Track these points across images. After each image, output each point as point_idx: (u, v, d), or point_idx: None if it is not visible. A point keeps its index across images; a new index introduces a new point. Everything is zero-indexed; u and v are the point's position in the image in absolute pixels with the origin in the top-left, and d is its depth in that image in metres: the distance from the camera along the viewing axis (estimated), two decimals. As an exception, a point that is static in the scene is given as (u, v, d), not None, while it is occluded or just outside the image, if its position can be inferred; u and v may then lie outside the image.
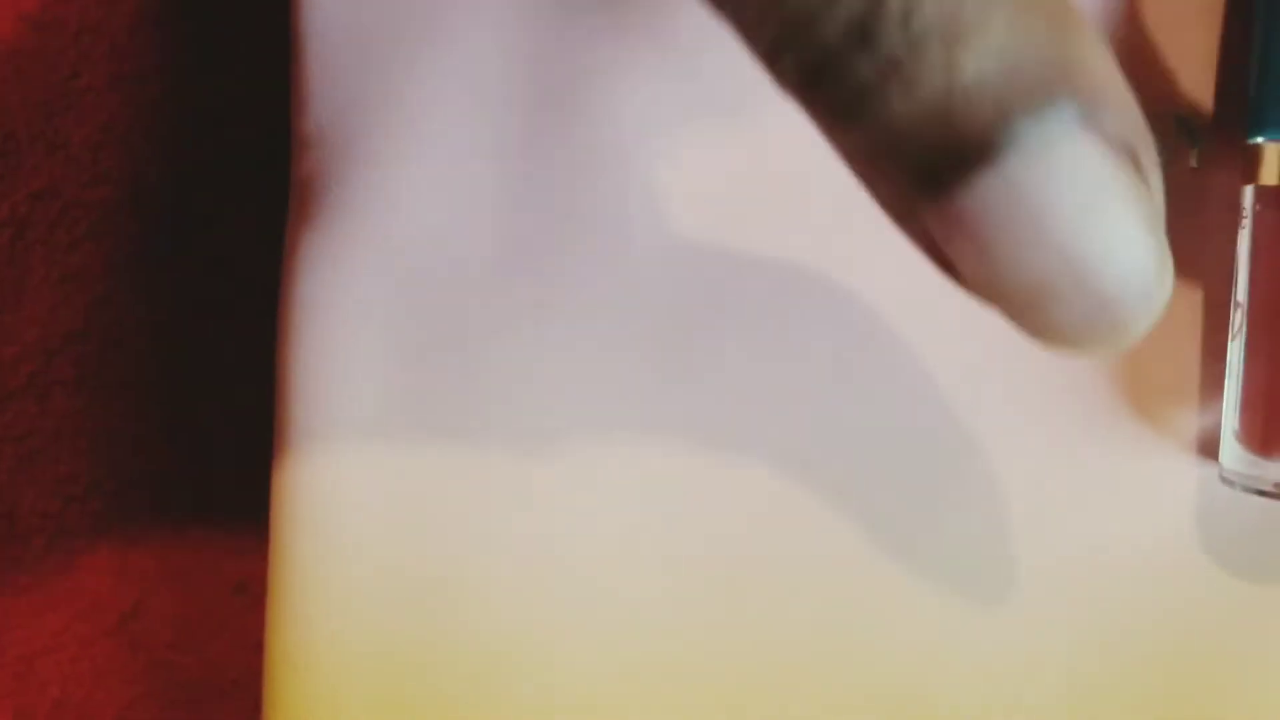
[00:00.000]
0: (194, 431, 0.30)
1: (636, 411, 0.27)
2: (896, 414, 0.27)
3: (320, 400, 0.27)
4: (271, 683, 0.27)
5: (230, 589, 0.30)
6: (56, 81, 0.30)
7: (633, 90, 0.26)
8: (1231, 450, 0.26)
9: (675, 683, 0.27)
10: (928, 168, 0.16)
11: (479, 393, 0.27)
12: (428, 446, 0.27)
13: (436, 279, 0.27)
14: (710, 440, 0.27)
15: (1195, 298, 0.26)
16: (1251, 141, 0.25)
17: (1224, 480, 0.26)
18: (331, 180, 0.27)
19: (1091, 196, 0.15)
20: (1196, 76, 0.26)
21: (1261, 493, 0.25)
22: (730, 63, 0.26)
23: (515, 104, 0.26)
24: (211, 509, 0.30)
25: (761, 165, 0.26)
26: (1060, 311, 0.16)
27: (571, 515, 0.27)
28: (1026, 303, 0.16)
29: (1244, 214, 0.25)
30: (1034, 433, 0.26)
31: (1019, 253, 0.15)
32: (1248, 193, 0.25)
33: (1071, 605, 0.27)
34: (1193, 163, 0.26)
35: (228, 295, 0.30)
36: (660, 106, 0.26)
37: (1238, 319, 0.25)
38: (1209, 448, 0.27)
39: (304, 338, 0.27)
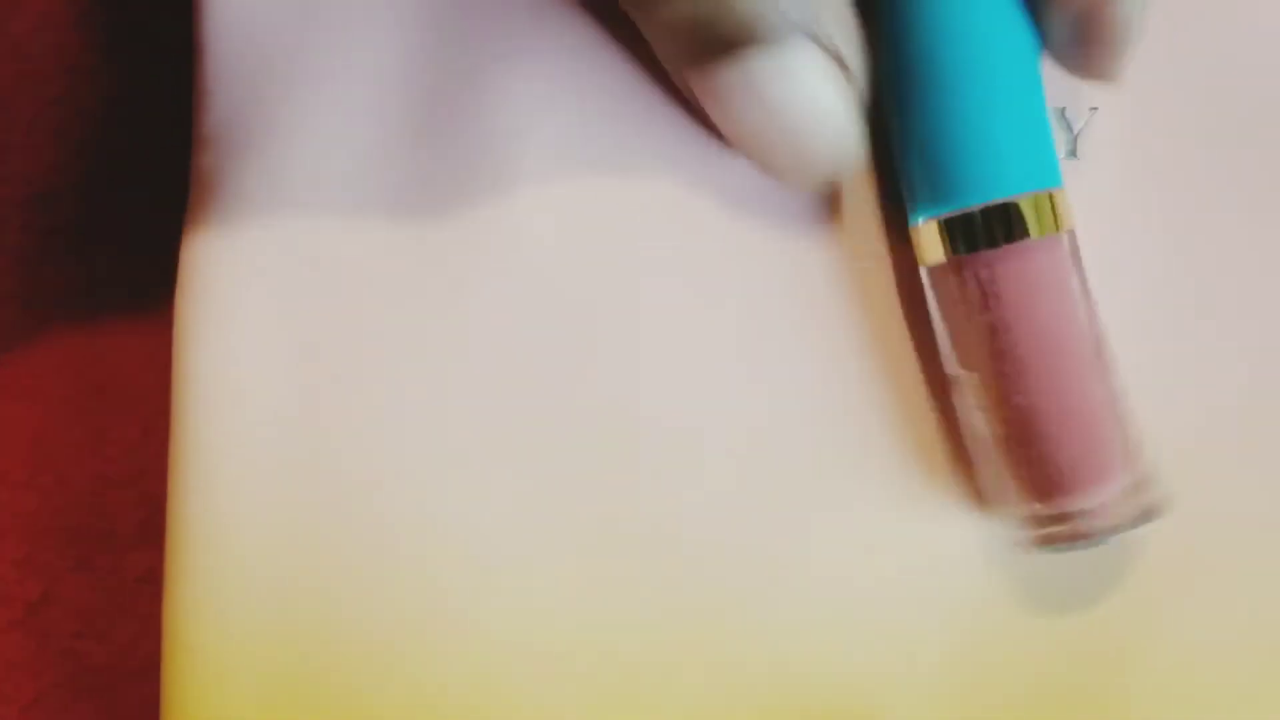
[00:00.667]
0: (95, 427, 0.30)
1: (539, 402, 0.27)
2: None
3: (218, 394, 0.27)
4: (170, 669, 0.27)
5: (135, 578, 0.30)
6: (-39, 82, 0.31)
7: (527, 87, 0.27)
8: (1013, 511, 0.26)
9: (579, 668, 0.28)
10: (693, 51, 0.24)
11: (376, 389, 0.27)
12: (325, 442, 0.27)
13: (334, 276, 0.27)
14: (616, 429, 0.27)
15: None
16: (912, 225, 0.26)
17: (1017, 544, 0.27)
18: (230, 177, 0.27)
19: (804, 81, 0.24)
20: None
21: (1057, 548, 0.26)
22: (620, 60, 0.27)
23: (412, 102, 0.27)
24: (116, 500, 0.30)
25: (653, 158, 0.27)
26: (783, 155, 0.24)
27: (472, 505, 0.27)
28: (761, 149, 0.25)
29: (926, 291, 0.26)
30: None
31: (750, 114, 0.24)
32: (924, 273, 0.26)
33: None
34: (1062, 153, 0.28)
35: (129, 294, 0.31)
36: (554, 102, 0.27)
37: (959, 387, 0.26)
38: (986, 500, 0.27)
39: (200, 334, 0.27)
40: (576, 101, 0.27)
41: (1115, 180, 0.27)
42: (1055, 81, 0.26)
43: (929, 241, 0.26)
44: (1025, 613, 0.27)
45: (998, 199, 0.25)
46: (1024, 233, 0.25)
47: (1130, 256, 0.28)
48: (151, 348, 0.30)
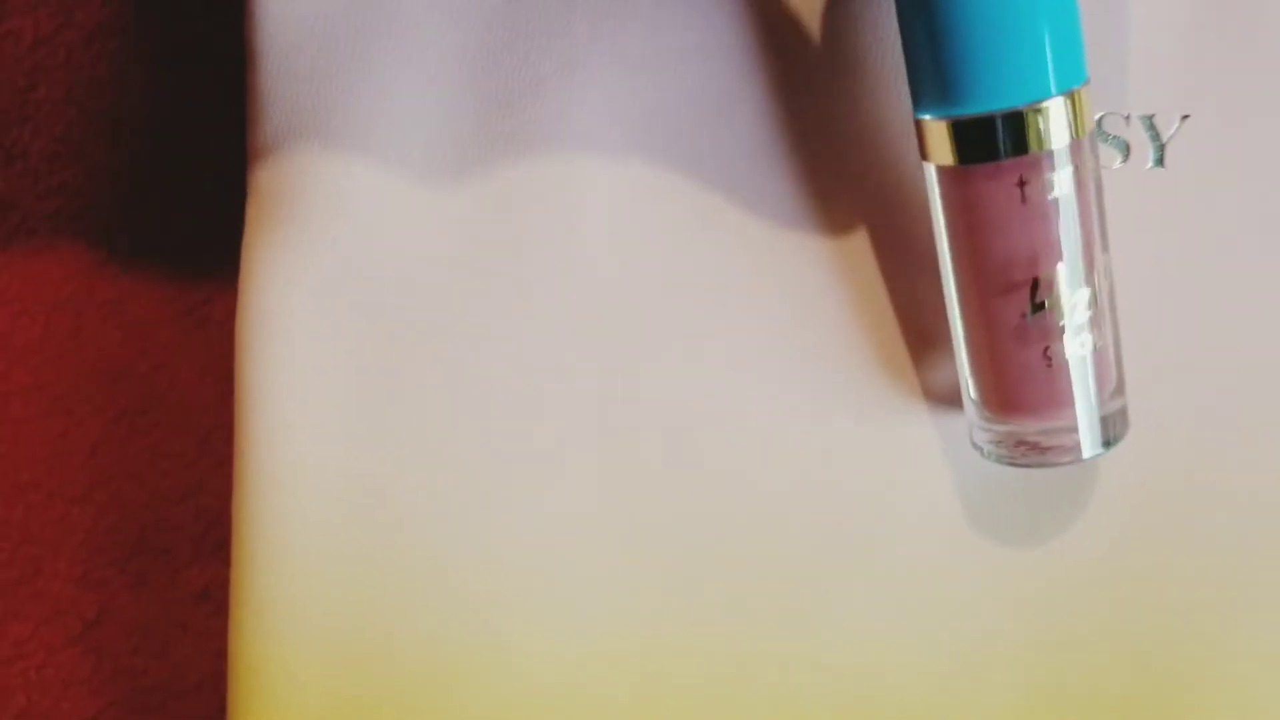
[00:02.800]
0: (153, 440, 0.30)
1: (596, 411, 0.27)
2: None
3: (280, 410, 0.27)
4: (235, 687, 0.27)
5: (193, 596, 0.30)
6: (13, 93, 0.30)
7: (583, 93, 0.26)
8: (974, 417, 0.26)
9: (639, 676, 0.27)
10: None
11: (440, 398, 0.27)
12: (388, 453, 0.27)
13: (395, 286, 0.27)
14: (674, 432, 0.27)
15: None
16: (917, 118, 0.25)
17: (974, 447, 0.26)
18: (288, 190, 0.27)
19: None
20: (1166, 78, 0.26)
21: (1012, 462, 0.26)
22: (677, 68, 0.27)
23: (469, 110, 0.27)
24: (172, 515, 0.30)
25: (704, 163, 0.27)
26: None
27: (534, 514, 0.27)
28: None
29: (929, 188, 0.25)
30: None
31: None
32: (929, 169, 0.25)
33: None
34: (1149, 163, 0.27)
35: (183, 306, 0.30)
36: (611, 109, 0.27)
37: (949, 289, 0.25)
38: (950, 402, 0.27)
39: (263, 348, 0.27)
40: (637, 108, 0.27)
41: (1201, 189, 0.27)
42: (1145, 87, 0.25)
43: (934, 139, 0.24)
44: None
45: (1018, 105, 0.23)
46: (1041, 141, 0.24)
47: (1217, 267, 0.27)
48: (207, 360, 0.30)
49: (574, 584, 0.27)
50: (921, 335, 0.27)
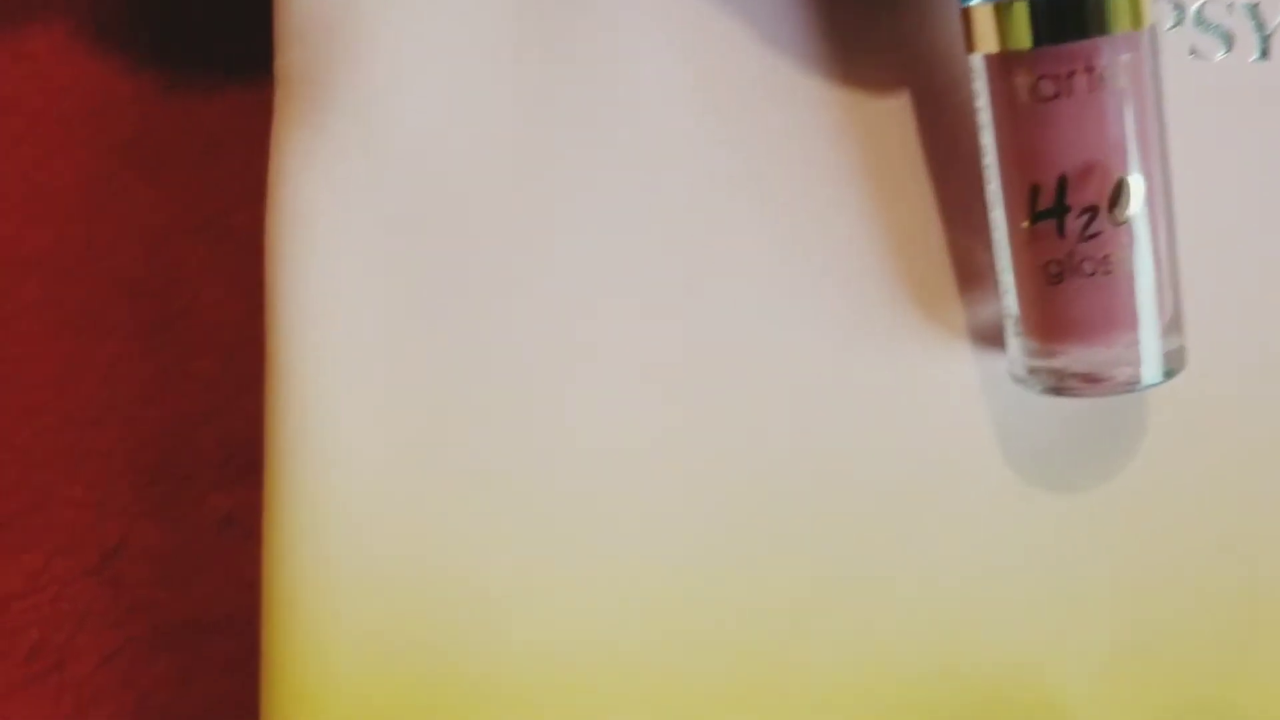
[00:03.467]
0: (173, 359, 0.29)
1: (637, 320, 0.25)
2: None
3: (312, 317, 0.25)
4: (270, 621, 0.25)
5: (218, 523, 0.28)
6: (18, -13, 0.28)
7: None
8: (1015, 344, 0.24)
9: (678, 613, 0.26)
10: None
11: (479, 306, 0.25)
12: (431, 362, 0.25)
13: (437, 178, 0.25)
14: (711, 357, 0.25)
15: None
16: (965, 6, 0.23)
17: (1014, 379, 0.25)
18: (319, 76, 0.25)
19: None
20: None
21: (1058, 390, 0.24)
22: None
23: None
24: (195, 438, 0.29)
25: (765, 65, 0.25)
26: None
27: (574, 438, 0.25)
28: None
29: (976, 83, 0.24)
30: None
31: None
32: (975, 62, 0.23)
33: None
34: (1254, 55, 0.25)
35: (212, 209, 0.29)
36: (672, 5, 0.25)
37: (994, 203, 0.24)
38: (990, 338, 0.26)
39: (293, 249, 0.25)
40: (699, 7, 0.25)
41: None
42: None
43: (982, 27, 0.23)
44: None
45: None
46: (1103, 26, 0.22)
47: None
48: (230, 273, 0.29)
49: (620, 496, 0.26)
50: (963, 268, 0.26)
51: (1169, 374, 0.24)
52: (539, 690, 0.25)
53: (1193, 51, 0.25)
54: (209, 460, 0.29)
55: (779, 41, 0.25)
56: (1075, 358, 0.24)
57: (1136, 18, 0.22)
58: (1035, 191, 0.23)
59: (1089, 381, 0.24)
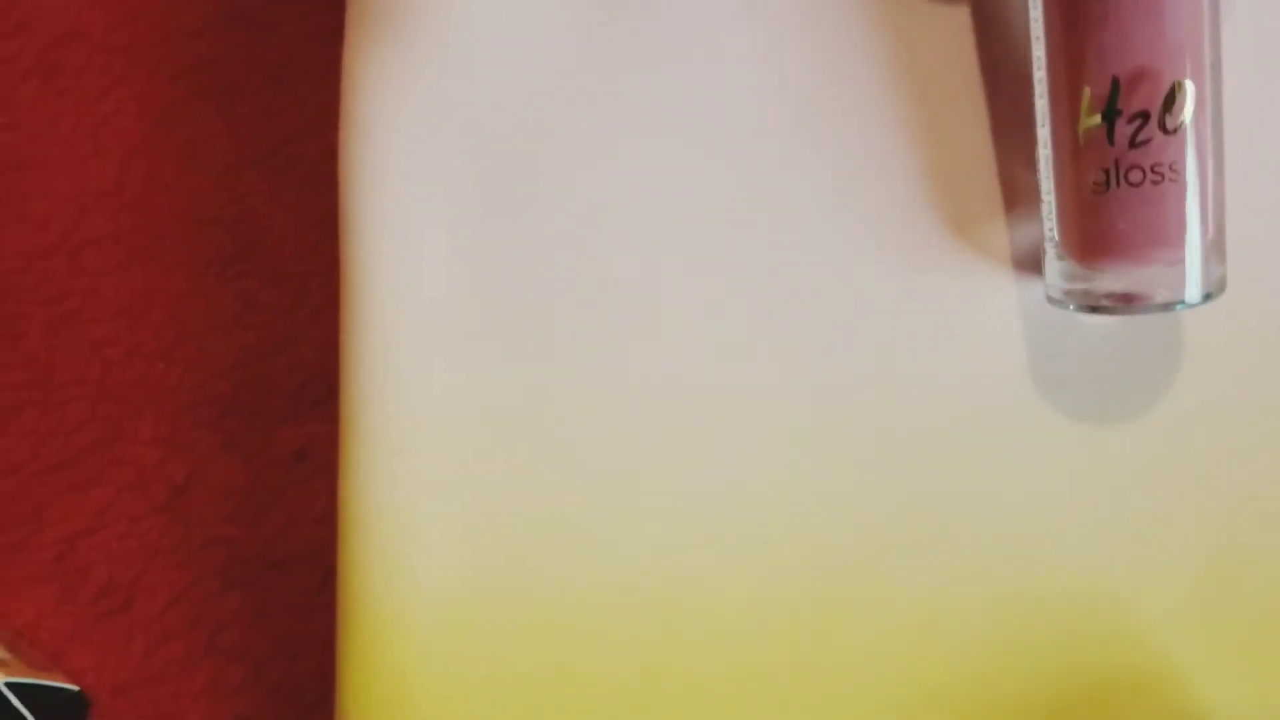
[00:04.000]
0: (241, 284, 0.28)
1: (723, 256, 0.25)
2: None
3: (388, 240, 0.25)
4: (346, 554, 0.25)
5: (289, 457, 0.28)
6: (78, -85, 0.28)
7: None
8: (1054, 266, 0.24)
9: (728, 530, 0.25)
10: None
11: (554, 227, 0.25)
12: (503, 288, 0.25)
13: (519, 103, 0.25)
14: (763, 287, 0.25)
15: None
16: None
17: (1050, 300, 0.24)
18: (391, -2, 0.25)
19: None
20: None
21: (1094, 309, 0.23)
22: None
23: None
24: (265, 371, 0.28)
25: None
26: None
27: (660, 369, 0.25)
28: None
29: None
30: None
31: None
32: None
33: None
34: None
35: (276, 136, 0.28)
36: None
37: (1041, 106, 0.23)
38: (1030, 263, 0.25)
39: (368, 171, 0.25)
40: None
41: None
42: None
43: None
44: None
45: None
46: None
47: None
48: (298, 204, 0.28)
49: (689, 424, 0.25)
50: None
51: (1208, 297, 0.23)
52: (612, 616, 0.25)
53: None
54: (279, 393, 0.28)
55: None
56: (1115, 276, 0.23)
57: None
58: (1086, 96, 0.22)
59: (1126, 300, 0.23)
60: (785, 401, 0.25)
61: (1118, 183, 0.22)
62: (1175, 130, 0.22)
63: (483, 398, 0.25)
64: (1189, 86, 0.22)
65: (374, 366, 0.25)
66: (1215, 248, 0.23)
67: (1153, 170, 0.22)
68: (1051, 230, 0.23)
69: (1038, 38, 0.23)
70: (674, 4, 0.25)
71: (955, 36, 0.25)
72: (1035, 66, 0.23)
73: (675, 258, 0.25)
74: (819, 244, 0.25)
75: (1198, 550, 0.25)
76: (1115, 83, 0.22)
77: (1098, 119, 0.22)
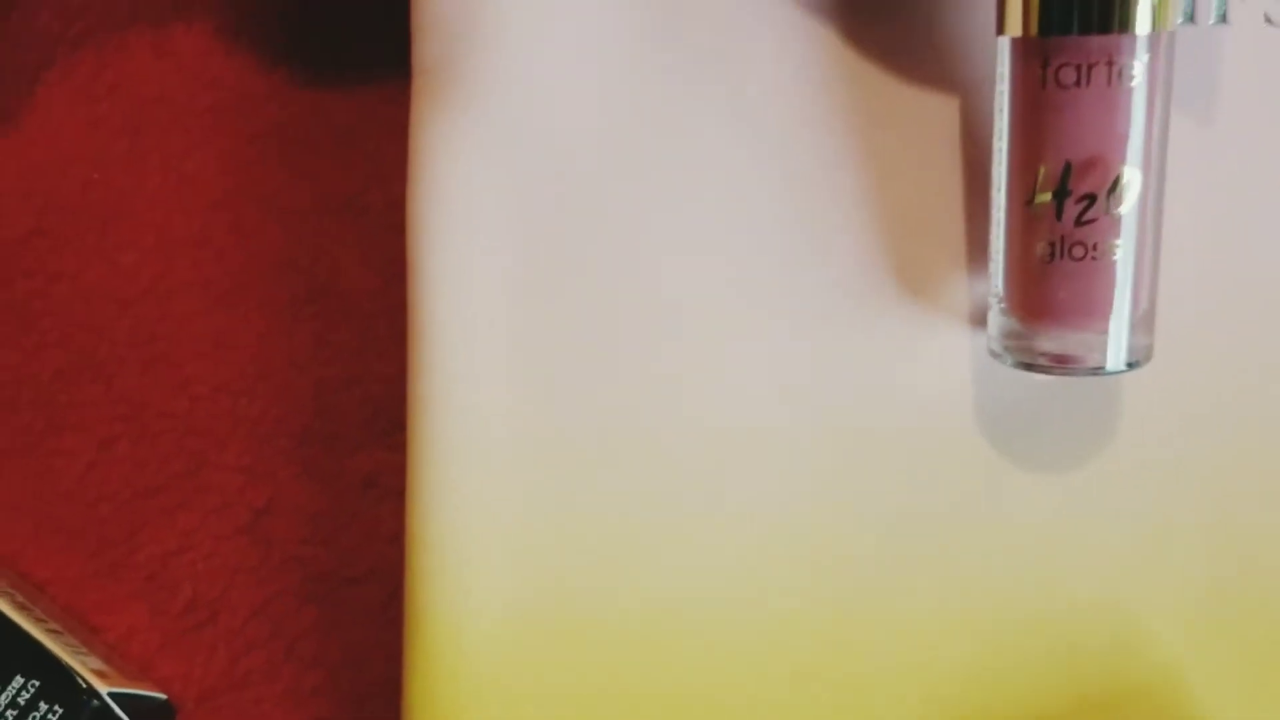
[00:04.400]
0: (316, 324, 0.30)
1: (776, 304, 0.27)
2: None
3: (450, 289, 0.27)
4: (413, 572, 0.27)
5: (360, 483, 0.30)
6: (164, -10, 0.30)
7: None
8: (997, 321, 0.26)
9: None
10: None
11: (602, 279, 0.27)
12: (554, 333, 0.27)
13: (570, 162, 0.27)
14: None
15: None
16: None
17: (990, 353, 0.26)
18: (454, 66, 0.27)
19: None
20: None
21: (1029, 366, 0.25)
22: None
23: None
24: (338, 404, 0.30)
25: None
26: None
27: (697, 404, 0.27)
28: None
29: (1000, 65, 0.25)
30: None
31: None
32: (1002, 44, 0.25)
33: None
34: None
35: (349, 191, 0.30)
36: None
37: (999, 175, 0.25)
38: (981, 317, 0.27)
39: (432, 228, 0.27)
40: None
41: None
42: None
43: (1013, 10, 0.24)
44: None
45: None
46: (1128, 23, 0.23)
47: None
48: (368, 248, 0.30)
49: (712, 458, 0.27)
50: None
51: (1131, 365, 0.25)
52: (664, 630, 0.27)
53: (1268, 19, 0.26)
54: (351, 424, 0.30)
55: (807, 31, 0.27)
56: (1051, 338, 0.25)
57: (1161, 19, 0.24)
58: (1041, 174, 0.24)
59: (1059, 361, 0.25)
60: (796, 436, 0.27)
61: (1061, 255, 0.24)
62: (1118, 214, 0.24)
63: (536, 429, 0.27)
64: (1134, 176, 0.24)
65: (436, 400, 0.27)
66: (1144, 321, 0.25)
67: (1094, 248, 0.24)
68: (998, 288, 0.25)
69: (1001, 110, 0.25)
70: (717, 73, 0.27)
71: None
72: (997, 138, 0.25)
73: (700, 305, 0.27)
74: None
75: (1199, 561, 0.27)
76: (1068, 166, 0.24)
77: (1049, 196, 0.24)
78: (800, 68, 0.27)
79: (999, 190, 0.25)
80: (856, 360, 0.27)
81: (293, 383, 0.30)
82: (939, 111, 0.27)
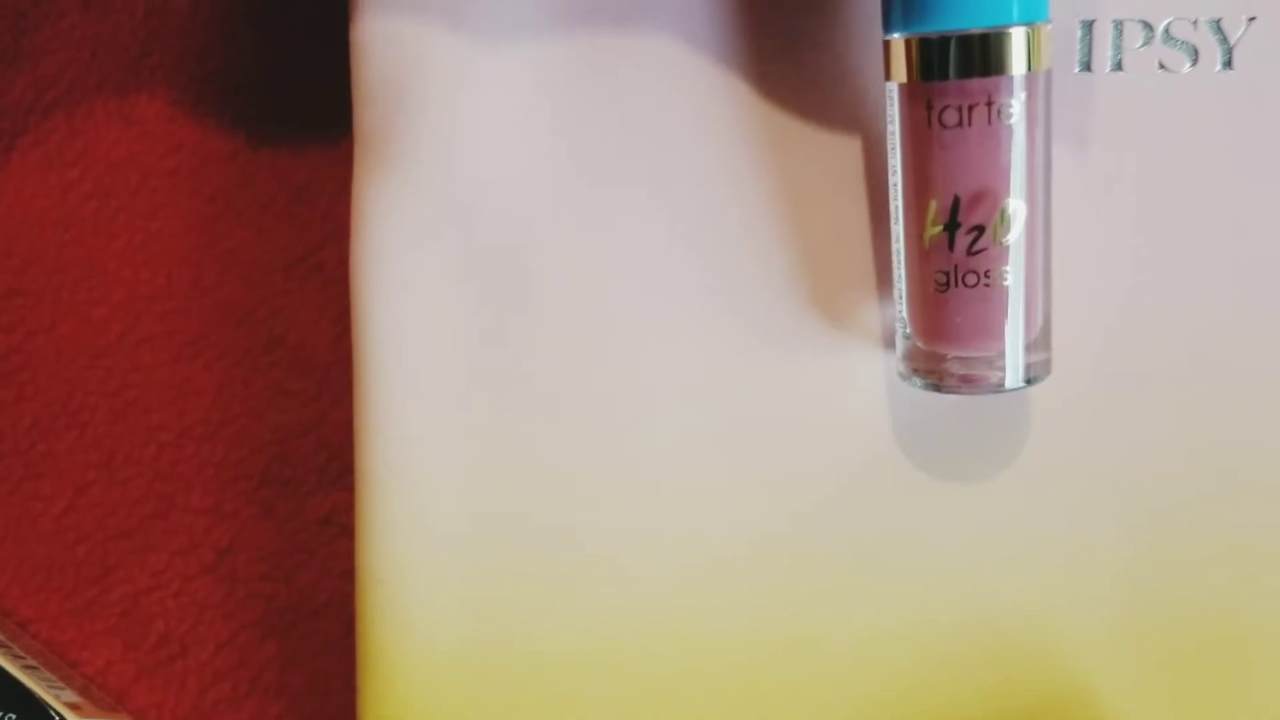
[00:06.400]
0: (274, 374, 0.32)
1: (702, 344, 0.29)
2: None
3: (393, 342, 0.28)
4: (363, 606, 0.29)
5: (317, 522, 0.32)
6: (129, 61, 0.32)
7: (671, 39, 0.28)
8: (903, 345, 0.27)
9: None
10: None
11: (550, 329, 0.28)
12: (492, 380, 0.29)
13: (501, 220, 0.28)
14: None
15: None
16: (885, 38, 0.26)
17: (900, 376, 0.27)
18: (392, 133, 0.28)
19: None
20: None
21: (936, 387, 0.27)
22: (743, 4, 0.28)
23: (570, 51, 0.28)
24: (296, 449, 0.32)
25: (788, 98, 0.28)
26: None
27: (629, 440, 0.29)
28: None
29: (889, 108, 0.26)
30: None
31: None
32: (891, 89, 0.26)
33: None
34: (1218, 66, 0.27)
35: (304, 248, 0.32)
36: (696, 41, 0.28)
37: (895, 211, 0.27)
38: (892, 342, 0.28)
39: (374, 284, 0.28)
40: (720, 50, 0.28)
41: (1271, 92, 0.27)
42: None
43: (897, 57, 0.25)
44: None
45: (978, 27, 0.25)
46: (1004, 66, 0.25)
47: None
48: (322, 303, 0.32)
49: (656, 500, 0.29)
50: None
51: (1030, 381, 0.26)
52: (602, 666, 0.29)
53: (1161, 66, 0.28)
54: (308, 467, 0.32)
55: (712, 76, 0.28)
56: (953, 360, 0.26)
57: (1035, 61, 0.25)
58: (932, 208, 0.26)
59: (964, 381, 0.27)
60: (729, 465, 0.29)
61: (956, 284, 0.26)
62: (1006, 243, 0.26)
63: (480, 471, 0.28)
64: (1019, 206, 0.26)
65: (384, 444, 0.29)
66: (1040, 340, 0.26)
67: (985, 275, 0.26)
68: (902, 315, 0.27)
69: (894, 148, 0.26)
70: (636, 148, 0.28)
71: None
72: (891, 174, 0.26)
73: (629, 345, 0.29)
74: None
75: (1114, 572, 0.28)
76: (956, 200, 0.25)
77: (940, 228, 0.26)
78: (714, 118, 0.28)
79: (896, 223, 0.27)
80: (780, 389, 0.28)
81: (252, 429, 0.32)
82: (844, 152, 0.28)
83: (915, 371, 0.27)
